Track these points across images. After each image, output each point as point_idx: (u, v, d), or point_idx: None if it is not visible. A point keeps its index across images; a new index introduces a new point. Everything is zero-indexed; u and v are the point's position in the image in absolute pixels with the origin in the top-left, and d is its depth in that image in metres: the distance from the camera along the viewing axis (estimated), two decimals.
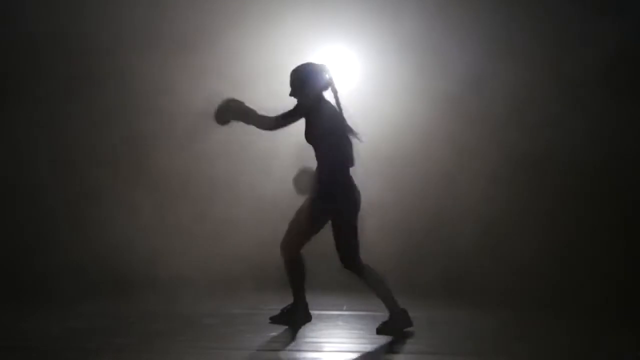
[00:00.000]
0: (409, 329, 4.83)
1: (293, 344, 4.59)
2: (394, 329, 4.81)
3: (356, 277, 4.86)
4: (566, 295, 6.63)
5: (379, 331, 4.81)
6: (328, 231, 4.89)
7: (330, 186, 4.80)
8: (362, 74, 7.47)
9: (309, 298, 5.14)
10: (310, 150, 4.93)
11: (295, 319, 5.07)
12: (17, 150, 7.45)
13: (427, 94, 7.30)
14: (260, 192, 7.27)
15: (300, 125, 4.96)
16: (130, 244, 7.18)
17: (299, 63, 4.99)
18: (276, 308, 5.18)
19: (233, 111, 4.93)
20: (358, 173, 4.89)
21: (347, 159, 4.85)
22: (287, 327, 5.02)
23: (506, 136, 7.28)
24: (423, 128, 7.31)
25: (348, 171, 4.85)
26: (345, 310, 5.88)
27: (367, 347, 4.49)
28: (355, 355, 4.31)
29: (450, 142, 7.33)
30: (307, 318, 5.12)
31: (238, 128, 5.07)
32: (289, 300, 5.11)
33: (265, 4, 7.41)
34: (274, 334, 4.81)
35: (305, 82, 4.90)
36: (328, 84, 4.91)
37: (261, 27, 7.38)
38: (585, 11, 7.18)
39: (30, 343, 4.49)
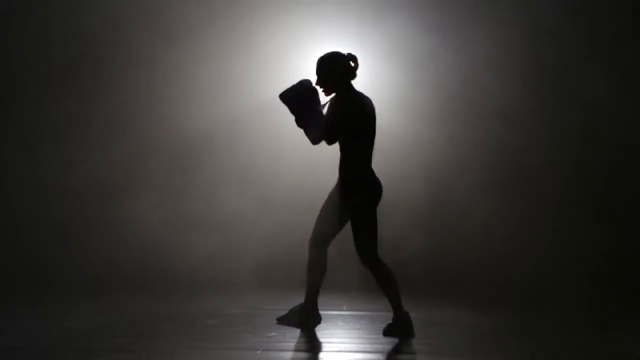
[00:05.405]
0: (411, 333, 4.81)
1: (293, 344, 4.59)
2: (400, 331, 4.75)
3: (370, 275, 4.78)
4: (565, 295, 6.63)
5: (386, 333, 4.76)
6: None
7: (351, 180, 4.79)
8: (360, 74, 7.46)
9: None
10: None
11: (304, 320, 4.96)
12: (19, 149, 7.45)
13: (424, 94, 7.30)
14: (267, 189, 7.26)
15: None
16: (131, 244, 7.18)
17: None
18: (276, 308, 5.17)
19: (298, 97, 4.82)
20: None
21: (370, 153, 4.83)
22: (294, 328, 4.94)
23: (504, 134, 7.28)
24: (422, 127, 7.32)
25: (370, 164, 4.83)
26: (345, 310, 5.88)
27: (367, 347, 4.49)
28: (355, 355, 4.31)
29: (447, 140, 7.33)
30: (317, 319, 5.00)
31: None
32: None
33: (263, 6, 7.40)
34: (274, 333, 4.80)
35: (336, 71, 4.92)
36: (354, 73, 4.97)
37: (259, 28, 7.38)
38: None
39: (30, 343, 4.50)
